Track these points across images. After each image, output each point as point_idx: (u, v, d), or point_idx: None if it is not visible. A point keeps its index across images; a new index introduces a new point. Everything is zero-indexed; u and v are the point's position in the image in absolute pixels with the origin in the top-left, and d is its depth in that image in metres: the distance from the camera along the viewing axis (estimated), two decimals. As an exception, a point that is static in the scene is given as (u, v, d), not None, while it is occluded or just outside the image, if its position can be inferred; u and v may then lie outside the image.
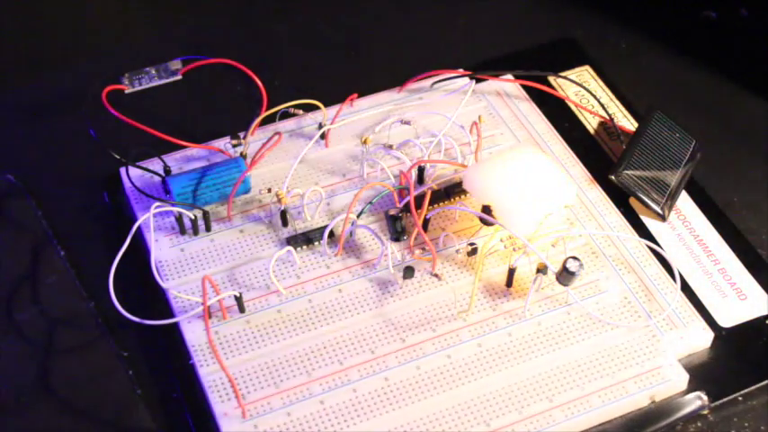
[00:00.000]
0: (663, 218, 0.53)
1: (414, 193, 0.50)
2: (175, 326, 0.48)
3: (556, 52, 0.62)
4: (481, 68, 0.59)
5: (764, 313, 0.50)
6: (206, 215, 0.51)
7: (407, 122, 0.55)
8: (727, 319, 0.49)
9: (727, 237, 0.52)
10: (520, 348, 0.47)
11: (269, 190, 0.52)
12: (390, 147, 0.54)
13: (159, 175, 0.52)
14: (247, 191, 0.53)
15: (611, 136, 0.57)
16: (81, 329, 0.49)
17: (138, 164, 0.52)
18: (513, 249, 0.50)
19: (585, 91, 0.58)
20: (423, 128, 0.55)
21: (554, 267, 0.48)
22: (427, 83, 0.58)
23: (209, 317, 0.48)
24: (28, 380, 0.48)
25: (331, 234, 0.50)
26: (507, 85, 0.58)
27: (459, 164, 0.53)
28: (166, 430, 0.46)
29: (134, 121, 0.53)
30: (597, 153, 0.56)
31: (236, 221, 0.52)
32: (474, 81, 0.58)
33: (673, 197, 0.53)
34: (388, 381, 0.46)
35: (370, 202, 0.52)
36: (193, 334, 0.48)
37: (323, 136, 0.55)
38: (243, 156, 0.53)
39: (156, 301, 0.49)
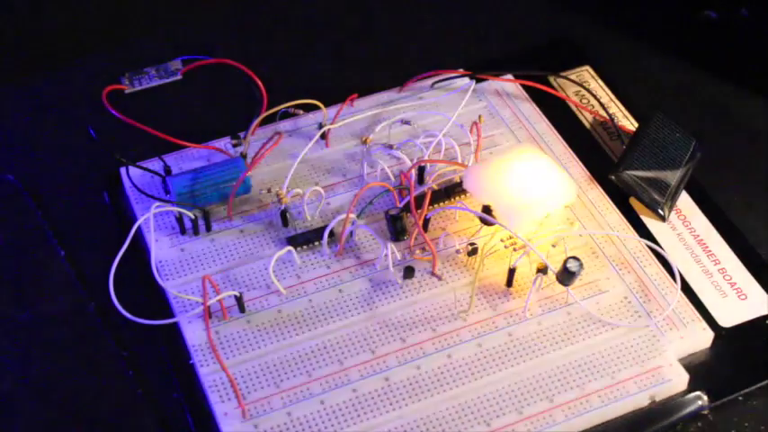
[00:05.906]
0: (663, 218, 0.53)
1: (414, 193, 0.50)
2: (175, 326, 0.48)
3: (556, 52, 0.62)
4: (481, 68, 0.59)
5: (764, 313, 0.50)
6: (206, 215, 0.51)
7: (407, 122, 0.55)
8: (727, 319, 0.49)
9: (727, 237, 0.52)
10: (520, 348, 0.47)
11: (269, 190, 0.52)
12: (390, 147, 0.54)
13: (159, 174, 0.52)
14: (247, 191, 0.53)
15: (611, 136, 0.57)
16: (81, 329, 0.49)
17: (138, 164, 0.52)
18: (514, 249, 0.50)
19: (585, 91, 0.58)
20: (423, 128, 0.55)
21: (554, 267, 0.48)
22: (427, 83, 0.58)
23: (210, 317, 0.48)
24: (28, 380, 0.48)
25: (331, 234, 0.50)
26: (507, 85, 0.58)
27: (459, 164, 0.53)
28: (166, 430, 0.46)
29: (134, 121, 0.53)
30: (597, 153, 0.56)
31: (236, 221, 0.52)
32: (474, 81, 0.58)
33: (673, 197, 0.53)
34: (388, 381, 0.46)
35: (370, 202, 0.52)
36: (193, 334, 0.48)
37: (323, 136, 0.55)
38: (243, 156, 0.53)
39: (156, 301, 0.49)
